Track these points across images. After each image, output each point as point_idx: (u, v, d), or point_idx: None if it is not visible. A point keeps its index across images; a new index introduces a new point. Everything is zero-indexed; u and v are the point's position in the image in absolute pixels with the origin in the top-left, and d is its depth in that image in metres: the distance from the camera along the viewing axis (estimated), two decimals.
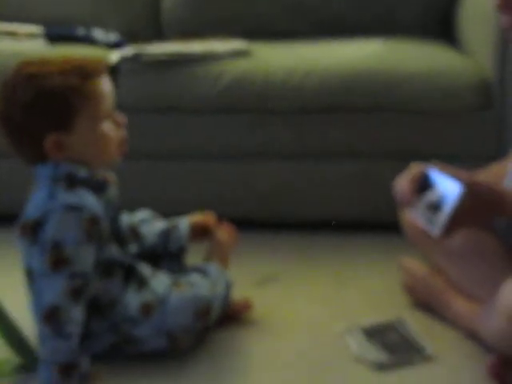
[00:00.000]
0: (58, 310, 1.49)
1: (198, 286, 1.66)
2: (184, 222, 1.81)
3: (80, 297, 1.52)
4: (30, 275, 1.54)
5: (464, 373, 1.57)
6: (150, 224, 1.80)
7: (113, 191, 1.64)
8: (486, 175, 1.73)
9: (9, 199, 2.27)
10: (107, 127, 1.56)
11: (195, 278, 1.69)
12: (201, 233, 1.83)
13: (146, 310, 1.60)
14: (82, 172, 1.55)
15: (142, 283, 1.64)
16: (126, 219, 1.75)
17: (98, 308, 1.59)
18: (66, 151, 1.53)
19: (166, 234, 1.79)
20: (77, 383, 1.51)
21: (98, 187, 1.59)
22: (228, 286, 1.73)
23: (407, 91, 2.16)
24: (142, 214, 1.82)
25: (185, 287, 1.65)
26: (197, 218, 1.84)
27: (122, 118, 1.60)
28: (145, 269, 1.67)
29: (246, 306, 1.81)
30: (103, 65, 1.59)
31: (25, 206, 1.56)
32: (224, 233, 1.84)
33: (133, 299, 1.60)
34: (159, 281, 1.66)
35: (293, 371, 1.60)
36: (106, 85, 1.56)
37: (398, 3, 2.62)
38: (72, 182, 1.54)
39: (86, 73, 1.52)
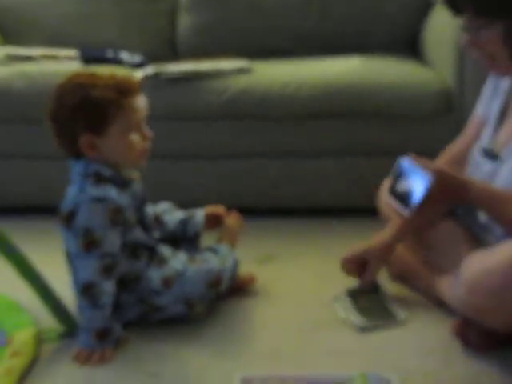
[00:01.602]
0: (93, 284, 1.49)
1: (210, 261, 1.65)
2: (199, 212, 1.80)
3: (111, 273, 1.52)
4: (69, 256, 1.54)
5: (433, 334, 1.56)
6: (170, 213, 1.78)
7: (137, 186, 1.63)
8: (445, 159, 1.71)
9: (53, 193, 2.26)
10: (134, 138, 1.54)
11: (208, 255, 1.68)
12: (213, 221, 1.81)
13: (167, 282, 1.59)
14: (108, 171, 1.55)
15: (162, 261, 1.62)
16: (151, 209, 1.73)
17: (125, 284, 1.58)
18: (97, 151, 1.53)
19: (184, 222, 1.77)
20: (110, 345, 1.51)
21: (122, 183, 1.57)
22: (235, 263, 1.71)
23: (381, 99, 2.14)
24: (163, 205, 1.80)
25: (199, 262, 1.64)
26: (210, 209, 1.82)
27: (149, 132, 1.58)
28: (165, 250, 1.66)
29: (251, 280, 1.80)
30: (139, 84, 1.57)
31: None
32: (233, 219, 1.82)
33: (155, 274, 1.59)
34: (177, 259, 1.64)
35: (289, 332, 1.59)
36: (139, 101, 1.55)
37: (372, 26, 2.59)
38: (99, 178, 1.53)
39: (124, 89, 1.52)
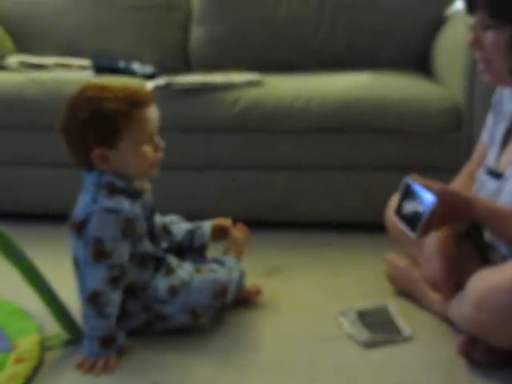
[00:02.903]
0: (99, 294, 1.49)
1: (216, 271, 1.65)
2: (206, 224, 1.80)
3: (118, 284, 1.52)
4: (77, 263, 1.54)
5: (438, 351, 1.54)
6: (178, 224, 1.79)
7: (148, 197, 1.63)
8: (464, 175, 1.72)
9: (63, 201, 2.27)
10: (146, 149, 1.54)
11: (214, 266, 1.68)
12: (220, 233, 1.81)
13: (173, 291, 1.59)
14: (121, 182, 1.55)
15: (169, 270, 1.62)
16: (159, 220, 1.73)
17: (132, 291, 1.58)
18: (109, 163, 1.53)
19: (191, 233, 1.77)
20: (114, 353, 1.51)
21: (134, 194, 1.58)
22: (242, 275, 1.71)
23: (390, 115, 2.14)
24: (171, 217, 1.80)
25: (205, 272, 1.64)
26: (217, 221, 1.82)
27: (161, 142, 1.58)
28: (172, 260, 1.66)
29: (257, 292, 1.80)
30: (151, 96, 1.57)
31: (74, 206, 1.56)
32: (239, 232, 1.83)
33: (161, 283, 1.59)
34: (184, 268, 1.64)
35: (293, 345, 1.59)
36: (151, 113, 1.55)
37: (382, 42, 2.61)
38: (112, 190, 1.54)
39: (135, 101, 1.51)
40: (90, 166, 1.55)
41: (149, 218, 1.63)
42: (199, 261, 1.73)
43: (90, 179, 1.55)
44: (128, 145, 1.52)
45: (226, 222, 1.83)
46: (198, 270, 1.65)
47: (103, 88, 1.54)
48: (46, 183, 2.33)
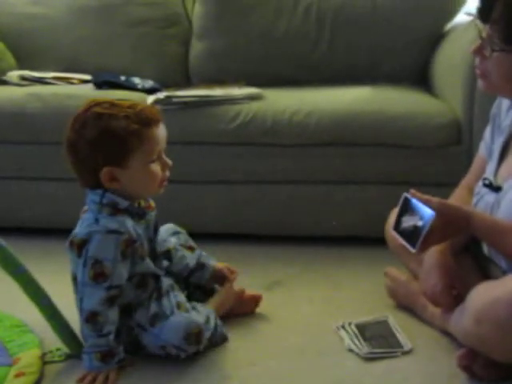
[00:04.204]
0: (97, 314, 1.48)
1: (195, 312, 1.59)
2: (209, 268, 1.75)
3: (115, 303, 1.51)
4: (75, 280, 1.54)
5: (438, 365, 1.54)
6: (183, 254, 1.73)
7: (152, 216, 1.62)
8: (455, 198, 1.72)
9: (65, 215, 2.28)
10: (155, 168, 1.53)
11: (196, 304, 1.64)
12: (218, 280, 1.77)
13: (153, 320, 1.55)
14: (124, 202, 1.53)
15: (160, 295, 1.60)
16: (164, 243, 1.69)
17: (127, 311, 1.57)
18: (118, 183, 1.51)
19: (191, 270, 1.73)
20: (114, 367, 1.51)
21: (138, 214, 1.57)
22: (216, 327, 1.62)
23: (391, 129, 2.15)
24: (174, 240, 1.75)
25: (183, 310, 1.58)
26: (221, 267, 1.77)
27: (168, 161, 1.56)
28: (165, 284, 1.62)
29: (257, 297, 1.78)
30: (159, 114, 1.55)
31: (76, 223, 1.56)
32: (231, 292, 1.75)
33: (152, 308, 1.57)
34: (170, 299, 1.60)
35: (293, 359, 1.59)
36: (160, 131, 1.53)
37: (382, 57, 2.62)
38: (114, 210, 1.52)
39: (145, 120, 1.49)
40: (94, 185, 1.53)
41: (151, 239, 1.62)
42: (191, 292, 1.71)
43: (92, 198, 1.54)
44: (138, 164, 1.50)
45: (229, 273, 1.76)
46: (179, 306, 1.59)
47: (111, 105, 1.51)
48: (47, 198, 2.33)
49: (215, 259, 1.79)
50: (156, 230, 1.64)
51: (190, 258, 1.74)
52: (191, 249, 1.77)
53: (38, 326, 1.66)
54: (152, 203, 1.64)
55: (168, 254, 1.70)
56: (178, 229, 1.79)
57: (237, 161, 2.23)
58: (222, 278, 1.76)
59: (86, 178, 1.54)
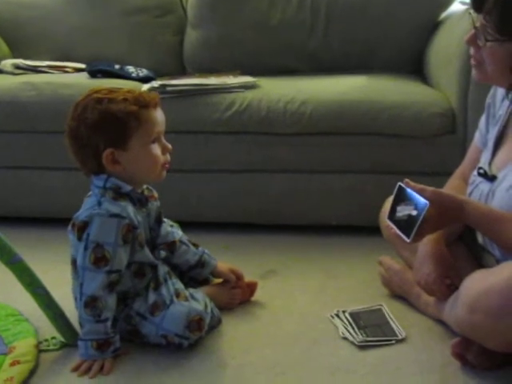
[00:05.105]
0: (97, 299, 1.49)
1: (194, 300, 1.59)
2: (209, 268, 1.75)
3: (114, 288, 1.52)
4: (75, 264, 1.55)
5: (432, 353, 1.55)
6: (186, 248, 1.73)
7: (154, 206, 1.64)
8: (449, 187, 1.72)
9: (60, 204, 2.29)
10: (155, 150, 1.55)
11: (193, 292, 1.64)
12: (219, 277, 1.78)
13: (154, 309, 1.56)
14: (127, 187, 1.55)
15: (158, 284, 1.61)
16: (172, 234, 1.70)
17: (124, 300, 1.58)
18: (119, 165, 1.53)
19: (192, 267, 1.74)
20: (110, 356, 1.51)
21: (140, 201, 1.58)
22: (215, 313, 1.65)
23: (385, 118, 2.15)
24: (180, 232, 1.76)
25: (183, 299, 1.58)
26: (223, 268, 1.77)
27: (168, 145, 1.58)
28: (161, 272, 1.63)
29: (253, 283, 1.80)
30: (158, 98, 1.57)
31: (71, 212, 1.57)
32: (230, 296, 1.76)
33: (150, 297, 1.58)
34: (168, 287, 1.61)
35: (288, 347, 1.59)
36: (159, 114, 1.56)
37: (377, 46, 2.62)
38: (117, 194, 1.54)
39: (143, 102, 1.52)
40: (97, 170, 1.55)
41: (152, 228, 1.63)
42: (186, 283, 1.70)
43: (96, 183, 1.56)
44: (137, 145, 1.52)
45: (231, 275, 1.76)
46: (178, 294, 1.59)
47: (111, 90, 1.54)
48: (41, 187, 2.33)
49: (216, 258, 1.78)
50: (160, 221, 1.66)
51: (193, 254, 1.74)
52: (195, 245, 1.77)
53: (33, 315, 1.66)
54: (155, 194, 1.65)
55: (172, 246, 1.70)
56: (171, 222, 1.79)
57: (231, 150, 2.23)
58: (222, 277, 1.77)
59: (88, 164, 1.55)
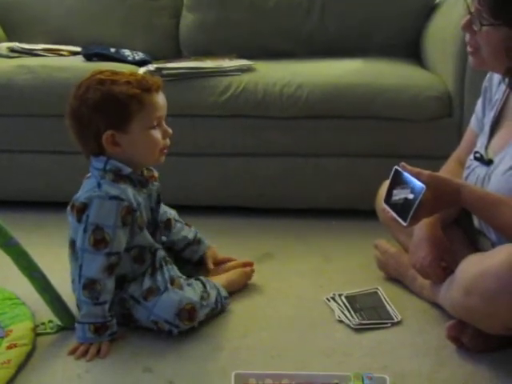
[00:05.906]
0: (96, 281, 1.50)
1: (189, 289, 1.59)
2: (204, 245, 1.79)
3: (113, 271, 1.52)
4: (73, 245, 1.55)
5: (428, 336, 1.56)
6: (182, 226, 1.78)
7: (154, 186, 1.64)
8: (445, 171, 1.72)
9: (56, 188, 2.28)
10: (156, 134, 1.55)
11: (194, 283, 1.63)
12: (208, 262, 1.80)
13: (148, 294, 1.56)
14: (127, 169, 1.55)
15: (154, 269, 1.61)
16: (166, 213, 1.73)
17: (120, 283, 1.57)
18: (119, 148, 1.53)
19: (190, 243, 1.77)
20: (107, 340, 1.52)
21: (140, 183, 1.58)
22: (222, 299, 1.66)
23: (382, 101, 2.14)
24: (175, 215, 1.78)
25: (177, 287, 1.58)
26: (213, 253, 1.80)
27: (169, 129, 1.58)
28: (158, 257, 1.63)
29: (249, 262, 1.81)
30: (160, 82, 1.57)
31: (68, 196, 1.57)
32: (240, 269, 1.79)
33: (146, 282, 1.58)
34: (163, 273, 1.61)
35: (284, 331, 1.60)
36: (160, 99, 1.55)
37: (373, 29, 2.61)
38: (117, 176, 1.54)
39: (145, 86, 1.52)
40: (97, 152, 1.54)
41: (153, 209, 1.63)
42: (181, 266, 1.71)
43: (96, 165, 1.55)
44: (138, 129, 1.52)
45: (217, 258, 1.80)
46: (172, 281, 1.59)
47: (113, 72, 1.54)
48: (37, 171, 2.32)
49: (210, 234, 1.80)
50: (159, 201, 1.66)
51: (188, 231, 1.77)
52: (187, 225, 1.80)
53: (29, 299, 1.66)
54: (155, 174, 1.65)
55: (168, 224, 1.73)
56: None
57: (227, 133, 2.22)
58: (211, 261, 1.79)
59: (89, 146, 1.55)
